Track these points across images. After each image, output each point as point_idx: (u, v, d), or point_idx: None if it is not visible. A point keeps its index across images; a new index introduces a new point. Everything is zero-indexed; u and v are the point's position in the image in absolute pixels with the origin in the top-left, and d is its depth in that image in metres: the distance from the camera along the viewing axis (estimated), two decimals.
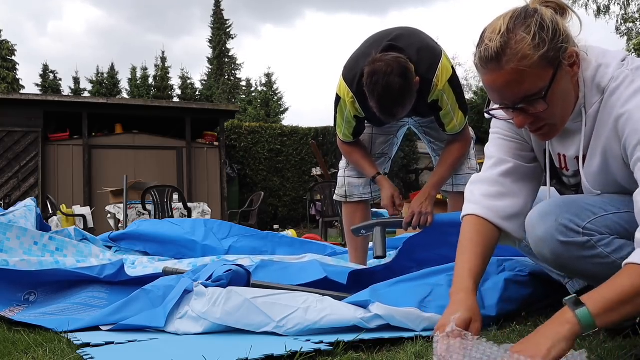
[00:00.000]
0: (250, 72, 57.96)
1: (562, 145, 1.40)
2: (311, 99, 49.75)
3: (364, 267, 2.53)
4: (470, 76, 19.82)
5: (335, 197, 2.89)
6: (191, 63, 48.34)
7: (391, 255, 2.50)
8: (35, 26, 46.20)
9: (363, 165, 2.61)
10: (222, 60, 26.79)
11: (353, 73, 2.37)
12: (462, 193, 2.65)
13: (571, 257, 1.25)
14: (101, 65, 30.15)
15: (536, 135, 1.32)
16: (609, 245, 1.23)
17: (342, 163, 2.81)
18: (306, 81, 52.48)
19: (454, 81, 2.34)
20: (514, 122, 1.26)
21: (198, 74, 29.99)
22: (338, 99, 2.49)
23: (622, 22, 15.97)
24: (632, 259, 1.04)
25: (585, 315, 1.00)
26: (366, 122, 2.57)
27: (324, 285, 2.11)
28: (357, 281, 2.21)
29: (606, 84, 1.25)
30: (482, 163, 1.56)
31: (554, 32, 1.18)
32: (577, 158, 1.36)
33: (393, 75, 2.11)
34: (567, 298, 1.04)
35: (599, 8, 15.83)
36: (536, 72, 1.17)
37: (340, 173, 2.82)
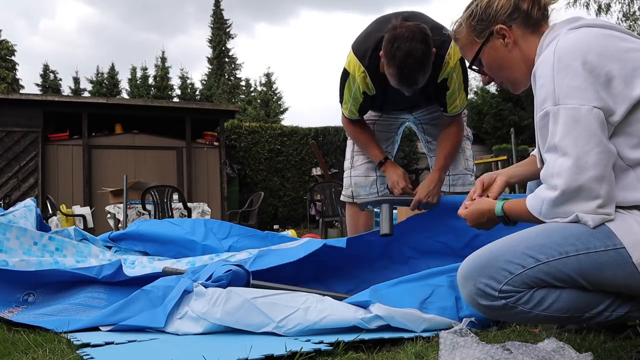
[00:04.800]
0: (247, 71, 57.85)
1: None
2: (310, 99, 49.67)
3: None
4: (470, 76, 19.79)
5: (342, 198, 2.88)
6: (188, 62, 48.21)
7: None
8: (28, 25, 46.01)
9: (371, 148, 2.58)
10: (222, 60, 26.77)
11: (365, 47, 2.33)
12: (457, 194, 2.69)
13: (498, 314, 1.30)
14: (99, 64, 30.03)
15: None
16: (528, 301, 1.25)
17: (347, 163, 2.79)
18: (304, 81, 52.44)
19: (464, 61, 2.33)
20: (482, 81, 1.58)
21: (197, 74, 30.00)
22: (346, 74, 2.43)
23: (624, 19, 16.02)
24: (526, 202, 1.32)
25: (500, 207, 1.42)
26: (373, 104, 2.51)
27: (325, 272, 2.13)
28: (356, 247, 2.25)
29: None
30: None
31: (481, 14, 1.46)
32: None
33: (415, 41, 2.07)
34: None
35: (599, 6, 15.91)
36: (467, 45, 1.51)
37: (346, 174, 2.80)
